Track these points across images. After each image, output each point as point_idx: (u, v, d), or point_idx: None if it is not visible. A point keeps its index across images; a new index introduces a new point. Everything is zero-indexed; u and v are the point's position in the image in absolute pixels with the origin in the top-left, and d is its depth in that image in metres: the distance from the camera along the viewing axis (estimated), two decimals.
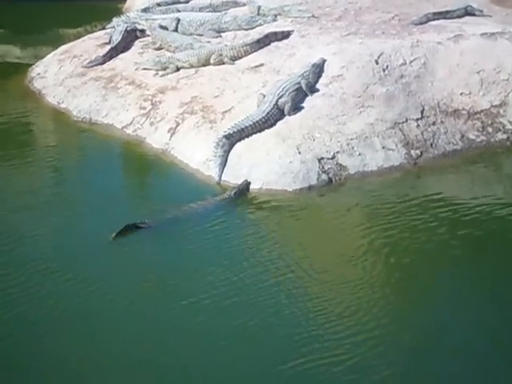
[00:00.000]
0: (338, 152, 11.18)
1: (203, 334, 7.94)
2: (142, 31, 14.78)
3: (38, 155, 12.30)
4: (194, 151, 11.60)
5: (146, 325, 8.12)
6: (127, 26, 14.67)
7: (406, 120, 11.79)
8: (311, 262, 9.15)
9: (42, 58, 15.39)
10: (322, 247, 9.62)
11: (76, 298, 8.49)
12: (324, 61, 12.35)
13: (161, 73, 13.28)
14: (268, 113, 11.48)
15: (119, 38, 14.34)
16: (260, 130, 11.40)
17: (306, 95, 11.89)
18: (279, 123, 11.51)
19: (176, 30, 14.49)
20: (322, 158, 11.07)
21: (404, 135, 11.61)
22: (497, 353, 7.74)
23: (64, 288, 8.66)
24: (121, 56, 14.19)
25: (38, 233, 9.79)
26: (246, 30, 14.20)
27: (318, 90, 11.99)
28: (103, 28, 15.80)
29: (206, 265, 9.05)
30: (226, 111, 12.01)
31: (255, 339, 7.87)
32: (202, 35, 14.28)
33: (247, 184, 10.79)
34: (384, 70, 12.23)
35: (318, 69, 12.22)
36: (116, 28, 14.81)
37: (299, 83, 11.84)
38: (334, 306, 8.34)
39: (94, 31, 16.29)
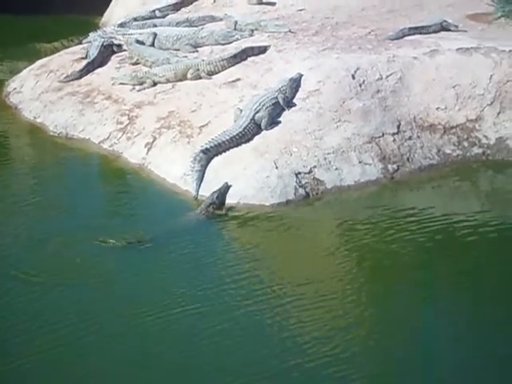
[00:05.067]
0: (314, 166, 11.19)
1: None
2: (119, 46, 14.77)
3: (14, 170, 12.26)
4: (170, 166, 11.58)
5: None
6: (104, 41, 14.65)
7: (383, 134, 11.83)
8: (288, 277, 9.14)
9: (19, 72, 15.33)
10: (299, 262, 9.60)
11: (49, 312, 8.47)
12: (301, 75, 12.38)
13: (138, 87, 13.25)
14: (245, 127, 11.49)
15: (96, 53, 14.31)
16: (237, 145, 11.40)
17: (283, 110, 11.91)
18: (256, 138, 11.52)
19: (153, 44, 14.47)
20: (299, 173, 11.08)
21: (381, 150, 11.65)
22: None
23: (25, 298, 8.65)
24: (97, 71, 14.16)
25: (8, 248, 9.74)
26: (223, 44, 14.20)
27: (294, 105, 12.01)
28: (80, 43, 15.76)
29: (178, 281, 9.01)
30: (202, 126, 12.01)
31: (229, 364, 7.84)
32: (178, 50, 14.28)
33: (227, 187, 10.77)
34: (360, 85, 12.28)
35: (295, 83, 12.25)
36: (93, 43, 14.76)
37: (276, 98, 11.86)
38: (311, 323, 8.30)
39: (71, 46, 16.28)
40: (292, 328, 8.21)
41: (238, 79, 12.85)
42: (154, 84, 13.22)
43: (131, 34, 14.93)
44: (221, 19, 15.60)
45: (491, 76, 12.53)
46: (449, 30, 14.00)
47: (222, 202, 10.68)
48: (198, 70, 13.08)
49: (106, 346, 7.97)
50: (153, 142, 12.10)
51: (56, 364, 7.74)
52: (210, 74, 13.08)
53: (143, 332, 8.16)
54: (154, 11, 16.97)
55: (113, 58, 14.52)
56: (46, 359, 7.78)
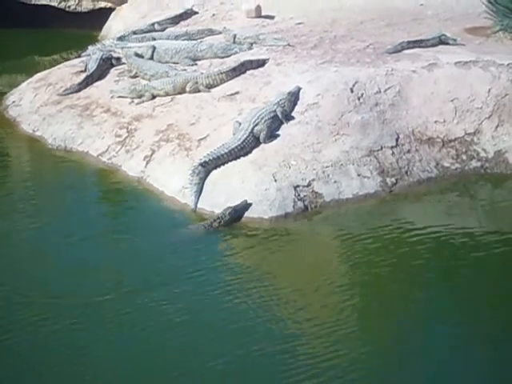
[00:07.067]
0: (313, 179, 11.20)
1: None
2: (118, 59, 14.80)
3: (12, 183, 12.25)
4: (169, 179, 11.59)
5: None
6: (103, 54, 14.67)
7: (381, 148, 11.84)
8: (287, 291, 9.14)
9: (17, 85, 15.35)
10: (297, 276, 9.59)
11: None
12: (299, 89, 12.39)
13: (136, 101, 13.27)
14: (244, 140, 11.49)
15: (95, 66, 14.33)
16: (236, 158, 11.41)
17: (282, 123, 11.92)
18: (255, 151, 11.53)
19: (152, 58, 14.51)
20: (298, 186, 11.08)
21: (379, 163, 11.65)
22: None
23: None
24: (96, 84, 14.18)
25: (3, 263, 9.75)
26: (222, 58, 14.23)
27: (293, 118, 12.02)
28: (79, 56, 15.81)
29: (176, 294, 9.01)
30: (201, 139, 12.02)
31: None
32: (177, 63, 14.31)
33: (245, 205, 10.72)
34: (359, 98, 12.29)
35: (294, 97, 12.26)
36: (91, 56, 14.79)
37: (275, 111, 11.88)
38: (310, 339, 8.30)
39: (70, 59, 16.29)
40: (291, 343, 8.21)
41: (237, 92, 12.86)
42: (153, 97, 13.24)
43: (130, 48, 14.95)
44: (220, 33, 15.65)
45: (489, 89, 12.55)
46: (447, 44, 14.03)
47: (238, 218, 10.63)
48: (197, 83, 13.10)
49: None
50: (151, 154, 12.10)
51: None
52: (209, 87, 13.09)
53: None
54: (153, 24, 17.04)
55: (112, 71, 14.54)
56: None
